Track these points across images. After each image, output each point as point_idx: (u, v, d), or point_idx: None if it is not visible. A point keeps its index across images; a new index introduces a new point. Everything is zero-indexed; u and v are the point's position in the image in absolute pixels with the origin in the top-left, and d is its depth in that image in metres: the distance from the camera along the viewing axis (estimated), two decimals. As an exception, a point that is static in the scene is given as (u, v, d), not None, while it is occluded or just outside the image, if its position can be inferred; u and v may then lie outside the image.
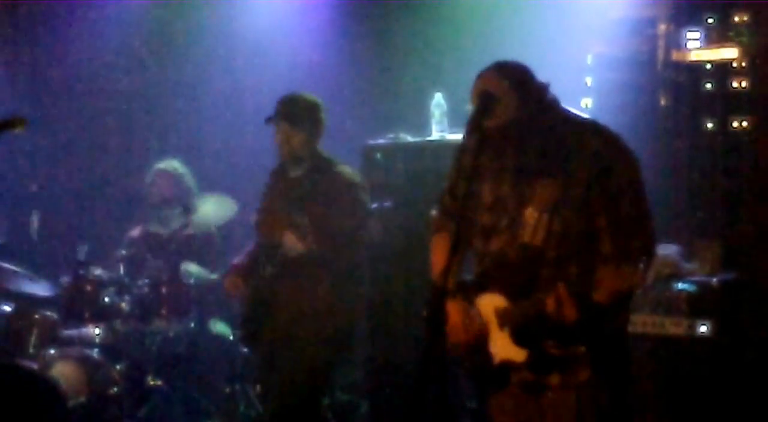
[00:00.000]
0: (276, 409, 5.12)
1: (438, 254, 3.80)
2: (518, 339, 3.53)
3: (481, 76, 3.60)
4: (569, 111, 3.66)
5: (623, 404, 3.60)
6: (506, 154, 3.61)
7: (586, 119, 3.69)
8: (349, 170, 5.17)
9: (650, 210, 3.52)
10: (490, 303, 3.62)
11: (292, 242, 4.92)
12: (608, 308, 3.35)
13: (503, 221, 3.60)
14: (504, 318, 3.56)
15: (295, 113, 5.09)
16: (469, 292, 3.68)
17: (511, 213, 3.58)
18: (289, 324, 4.99)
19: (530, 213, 3.53)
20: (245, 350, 6.21)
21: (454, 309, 3.62)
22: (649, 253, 3.44)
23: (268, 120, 5.10)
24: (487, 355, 3.61)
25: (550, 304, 3.35)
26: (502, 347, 3.57)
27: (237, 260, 5.35)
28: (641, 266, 3.38)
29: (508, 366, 3.57)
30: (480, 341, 3.62)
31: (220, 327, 6.66)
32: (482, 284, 3.66)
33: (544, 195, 3.52)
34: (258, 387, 6.28)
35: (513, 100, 3.50)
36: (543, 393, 3.57)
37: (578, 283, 3.35)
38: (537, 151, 3.55)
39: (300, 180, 5.05)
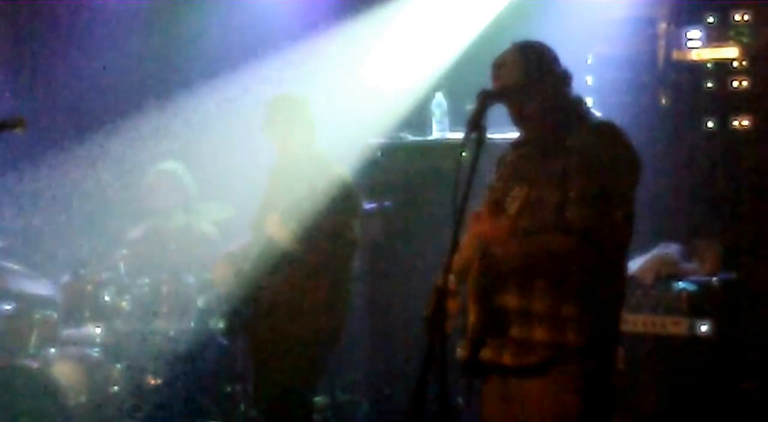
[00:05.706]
0: (269, 408, 5.11)
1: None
2: (476, 295, 3.53)
3: (537, 48, 3.59)
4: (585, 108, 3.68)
5: (607, 397, 3.57)
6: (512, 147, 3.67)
7: (595, 117, 3.69)
8: (342, 171, 5.10)
9: (625, 203, 3.48)
10: None
11: (274, 225, 4.89)
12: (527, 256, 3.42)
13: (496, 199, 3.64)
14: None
15: (285, 115, 5.05)
16: None
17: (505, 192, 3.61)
18: (284, 322, 4.97)
19: (515, 188, 3.55)
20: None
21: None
22: (596, 233, 3.39)
23: (263, 129, 5.07)
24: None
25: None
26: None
27: (231, 247, 5.34)
28: (581, 242, 3.36)
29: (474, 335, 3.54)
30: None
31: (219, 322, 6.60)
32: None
33: (530, 173, 3.54)
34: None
35: (559, 84, 3.56)
36: (525, 379, 3.51)
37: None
38: (541, 149, 3.58)
39: (295, 179, 4.97)
